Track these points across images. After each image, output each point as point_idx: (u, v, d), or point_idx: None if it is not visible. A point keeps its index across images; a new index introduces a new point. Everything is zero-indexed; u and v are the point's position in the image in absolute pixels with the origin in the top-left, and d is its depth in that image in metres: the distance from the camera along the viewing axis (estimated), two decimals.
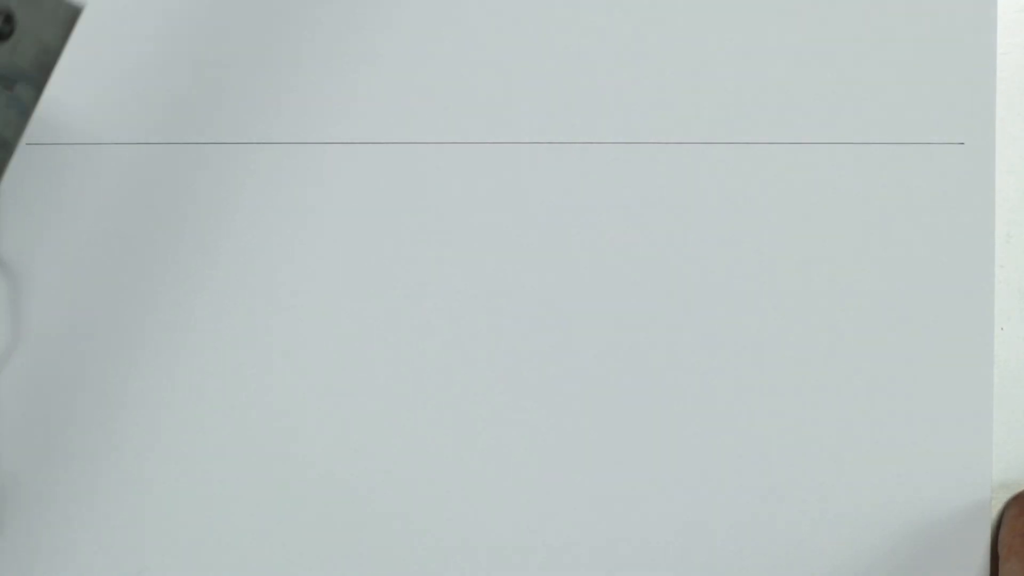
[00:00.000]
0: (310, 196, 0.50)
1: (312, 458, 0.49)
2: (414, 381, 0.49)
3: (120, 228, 0.49)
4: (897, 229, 0.50)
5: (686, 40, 0.50)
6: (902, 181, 0.50)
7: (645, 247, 0.50)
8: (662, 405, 0.50)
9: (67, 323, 0.49)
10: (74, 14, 0.42)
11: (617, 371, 0.50)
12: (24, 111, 0.42)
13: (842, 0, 0.50)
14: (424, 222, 0.50)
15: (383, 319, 0.49)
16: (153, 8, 0.50)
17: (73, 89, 0.50)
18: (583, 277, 0.50)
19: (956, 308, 0.50)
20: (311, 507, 0.49)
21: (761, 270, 0.50)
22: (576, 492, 0.49)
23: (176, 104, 0.50)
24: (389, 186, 0.50)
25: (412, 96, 0.50)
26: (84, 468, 0.49)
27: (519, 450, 0.49)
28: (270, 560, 0.49)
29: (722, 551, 0.49)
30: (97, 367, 0.49)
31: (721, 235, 0.50)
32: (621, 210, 0.50)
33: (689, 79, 0.50)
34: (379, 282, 0.48)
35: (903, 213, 0.50)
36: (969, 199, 0.50)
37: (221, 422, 0.49)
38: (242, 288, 0.49)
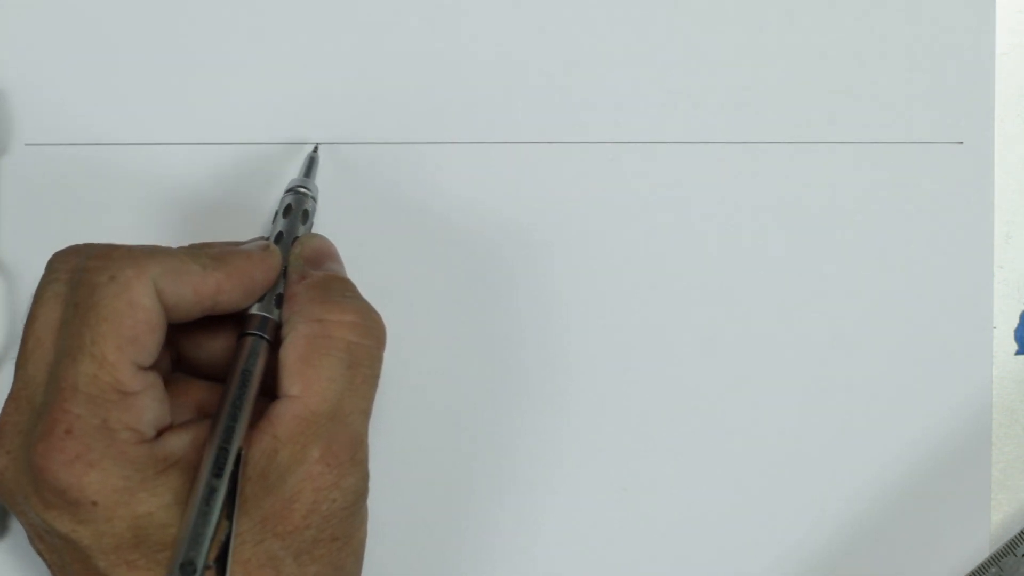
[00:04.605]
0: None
1: None
2: (412, 380, 0.49)
3: (119, 228, 0.49)
4: (896, 229, 0.50)
5: (686, 40, 0.50)
6: (901, 181, 0.50)
7: (645, 246, 0.50)
8: (661, 404, 0.50)
9: None
10: None
11: (617, 369, 0.50)
12: None
13: (842, 1, 0.50)
14: (424, 221, 0.50)
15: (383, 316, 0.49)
16: (153, 10, 0.50)
17: (73, 89, 0.50)
18: (582, 276, 0.50)
19: (955, 308, 0.50)
20: None
21: (760, 269, 0.50)
22: (576, 491, 0.49)
23: (175, 104, 0.50)
24: (389, 186, 0.50)
25: (413, 96, 0.50)
26: None
27: (517, 448, 0.49)
28: None
29: (722, 551, 0.49)
30: None
31: (721, 234, 0.50)
32: (621, 210, 0.50)
33: (689, 79, 0.50)
34: (377, 281, 0.48)
35: (903, 213, 0.50)
36: (968, 199, 0.50)
37: None
38: None
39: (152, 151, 0.50)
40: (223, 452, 0.41)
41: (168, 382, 0.44)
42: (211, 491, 0.41)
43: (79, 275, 0.42)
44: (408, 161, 0.50)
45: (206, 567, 0.40)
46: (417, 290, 0.50)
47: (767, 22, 0.50)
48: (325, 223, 0.49)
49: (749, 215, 0.50)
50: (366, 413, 0.43)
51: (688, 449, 0.49)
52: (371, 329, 0.44)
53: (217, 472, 0.41)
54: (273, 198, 0.50)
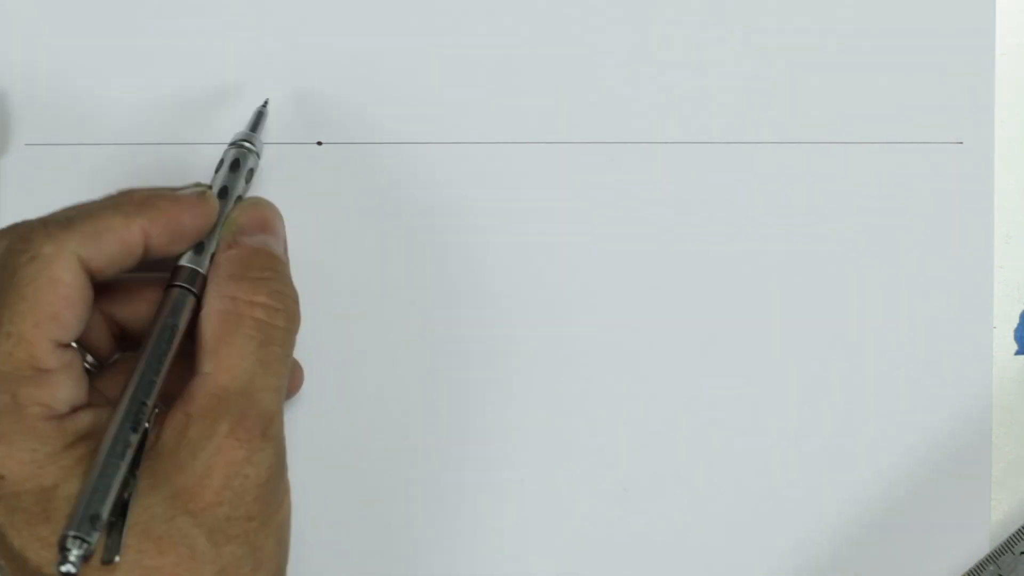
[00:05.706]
0: (316, 195, 0.49)
1: (313, 454, 0.49)
2: (412, 380, 0.49)
3: None
4: (896, 229, 0.50)
5: (686, 40, 0.50)
6: (901, 181, 0.50)
7: (645, 246, 0.50)
8: (661, 404, 0.50)
9: None
10: None
11: (617, 370, 0.50)
12: None
13: (842, 1, 0.50)
14: (423, 221, 0.50)
15: (381, 316, 0.49)
16: (153, 10, 0.50)
17: (73, 89, 0.50)
18: (582, 276, 0.50)
19: (955, 308, 0.50)
20: (310, 501, 0.49)
21: (760, 269, 0.50)
22: (576, 492, 0.49)
23: (175, 105, 0.50)
24: (389, 186, 0.50)
25: (413, 96, 0.50)
26: None
27: (517, 449, 0.49)
28: None
29: (722, 551, 0.50)
30: None
31: (721, 234, 0.50)
32: (621, 210, 0.50)
33: (689, 79, 0.50)
34: (377, 281, 0.48)
35: (902, 213, 0.50)
36: (968, 199, 0.50)
37: None
38: None
39: (153, 151, 0.50)
40: (142, 406, 0.41)
41: (110, 363, 0.44)
42: (125, 446, 0.40)
43: (2, 259, 0.42)
44: (408, 161, 0.50)
45: (110, 522, 0.40)
46: (416, 290, 0.50)
47: (767, 22, 0.50)
48: (325, 223, 0.49)
49: (749, 215, 0.50)
50: (278, 390, 0.43)
51: (688, 450, 0.49)
52: (282, 310, 0.44)
53: (133, 426, 0.41)
54: (272, 197, 0.49)
